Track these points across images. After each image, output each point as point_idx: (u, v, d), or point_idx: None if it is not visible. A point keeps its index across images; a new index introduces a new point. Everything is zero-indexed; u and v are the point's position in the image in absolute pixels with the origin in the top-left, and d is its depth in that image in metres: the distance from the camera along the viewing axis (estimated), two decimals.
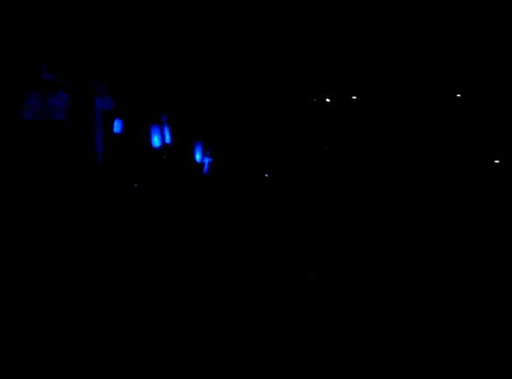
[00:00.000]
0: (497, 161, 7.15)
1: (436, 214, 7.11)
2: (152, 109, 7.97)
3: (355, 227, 6.94)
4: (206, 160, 7.96)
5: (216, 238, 6.75)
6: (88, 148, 7.68)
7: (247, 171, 7.89)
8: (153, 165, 7.95)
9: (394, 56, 7.55)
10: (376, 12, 7.39)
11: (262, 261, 5.93)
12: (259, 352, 3.81)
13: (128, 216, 7.25)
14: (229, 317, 4.41)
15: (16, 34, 7.32)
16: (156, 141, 7.89)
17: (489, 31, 7.30)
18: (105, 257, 5.97)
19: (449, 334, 4.13)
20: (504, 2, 7.14)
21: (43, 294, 4.85)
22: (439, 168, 7.50)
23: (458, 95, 7.36)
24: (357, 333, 4.12)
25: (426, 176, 7.50)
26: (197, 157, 7.96)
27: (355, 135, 7.74)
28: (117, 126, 7.88)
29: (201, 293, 5.00)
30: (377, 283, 5.21)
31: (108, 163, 7.91)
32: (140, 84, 7.90)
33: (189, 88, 7.99)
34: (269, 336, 4.05)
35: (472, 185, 7.32)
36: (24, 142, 7.67)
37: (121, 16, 7.54)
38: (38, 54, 7.53)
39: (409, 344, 3.95)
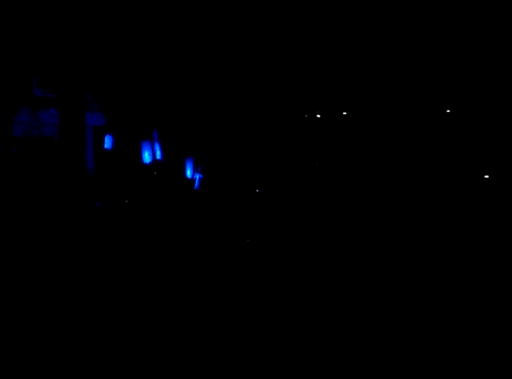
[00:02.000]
0: (487, 176, 7.18)
1: (431, 228, 7.12)
2: (142, 125, 7.97)
3: (347, 240, 6.93)
4: (197, 176, 7.96)
5: (207, 253, 6.73)
6: (79, 164, 7.66)
7: (238, 187, 7.88)
8: (144, 181, 7.94)
9: (384, 72, 7.61)
10: (365, 29, 7.46)
11: (253, 278, 5.90)
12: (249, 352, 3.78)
13: (119, 233, 7.22)
14: (217, 330, 4.38)
15: (5, 49, 7.34)
16: (146, 157, 7.88)
17: (481, 45, 7.37)
18: (96, 273, 5.94)
19: (448, 334, 4.11)
20: (503, 7, 7.20)
21: (36, 308, 4.81)
22: (432, 182, 7.52)
23: (448, 111, 7.40)
24: (355, 336, 4.10)
25: (418, 189, 7.51)
26: (188, 173, 7.96)
27: (346, 151, 7.76)
28: (108, 142, 7.88)
29: (190, 308, 4.97)
30: (374, 290, 5.19)
31: (99, 178, 7.89)
32: (130, 100, 7.92)
33: (180, 104, 8.01)
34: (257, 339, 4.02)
35: (468, 196, 7.34)
36: (15, 159, 7.64)
37: (111, 32, 7.57)
38: (28, 70, 7.54)
39: (407, 343, 3.93)
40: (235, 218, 7.63)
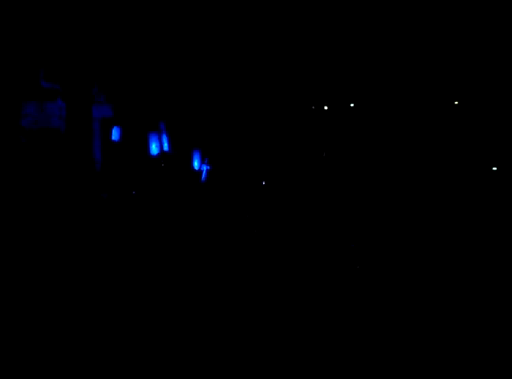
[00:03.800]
0: (495, 168, 7.16)
1: (434, 220, 7.11)
2: (150, 117, 7.97)
3: (352, 233, 6.93)
4: (204, 168, 7.96)
5: (214, 244, 6.74)
6: (86, 156, 7.68)
7: (245, 179, 7.89)
8: (151, 173, 7.95)
9: (391, 64, 7.57)
10: (372, 21, 7.41)
11: (260, 268, 5.92)
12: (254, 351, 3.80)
13: (126, 223, 7.25)
14: (224, 323, 4.40)
15: (14, 42, 7.33)
16: (154, 149, 7.89)
17: (485, 37, 7.31)
18: (104, 263, 5.97)
19: (448, 334, 4.12)
20: (504, 4, 7.14)
21: (43, 300, 4.84)
22: (437, 174, 7.50)
23: (456, 103, 7.36)
24: (356, 334, 4.11)
25: (423, 182, 7.50)
26: (196, 165, 7.97)
27: (353, 142, 7.75)
28: (115, 134, 7.88)
29: (198, 299, 4.99)
30: (376, 288, 5.20)
31: (107, 170, 7.91)
32: (138, 92, 7.91)
33: (187, 96, 7.99)
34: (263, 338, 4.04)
35: (471, 190, 7.32)
36: (23, 150, 7.66)
37: (119, 25, 7.55)
38: (36, 63, 7.54)
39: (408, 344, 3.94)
40: (242, 209, 7.64)
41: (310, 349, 3.99)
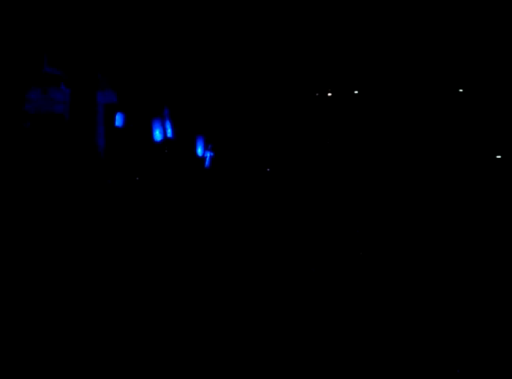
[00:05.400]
0: (498, 156, 7.14)
1: (437, 211, 7.11)
2: (153, 103, 7.96)
3: (356, 222, 6.94)
4: (208, 154, 7.97)
5: (217, 231, 6.77)
6: (89, 142, 7.69)
7: (249, 165, 7.89)
8: (155, 159, 7.96)
9: (396, 50, 7.53)
10: (378, 7, 7.36)
11: (263, 256, 5.94)
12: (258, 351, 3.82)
13: (130, 210, 7.27)
14: (229, 315, 4.42)
15: (17, 27, 7.31)
16: (157, 135, 7.89)
17: (490, 27, 7.27)
18: (107, 250, 5.99)
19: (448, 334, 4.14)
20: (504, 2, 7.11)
21: (44, 289, 4.87)
22: (441, 164, 7.49)
23: (460, 90, 7.33)
24: (357, 332, 4.13)
25: (428, 171, 7.49)
26: (199, 151, 7.97)
27: (357, 129, 7.73)
28: (119, 120, 7.88)
29: (202, 288, 5.02)
30: (377, 282, 5.22)
31: (110, 156, 7.92)
32: (142, 77, 7.89)
33: (191, 81, 7.97)
34: (268, 335, 4.06)
35: (474, 181, 7.31)
36: (27, 135, 7.68)
37: (123, 9, 7.51)
38: (39, 48, 7.52)
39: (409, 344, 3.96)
40: (246, 196, 7.65)
41: (310, 345, 4.01)
